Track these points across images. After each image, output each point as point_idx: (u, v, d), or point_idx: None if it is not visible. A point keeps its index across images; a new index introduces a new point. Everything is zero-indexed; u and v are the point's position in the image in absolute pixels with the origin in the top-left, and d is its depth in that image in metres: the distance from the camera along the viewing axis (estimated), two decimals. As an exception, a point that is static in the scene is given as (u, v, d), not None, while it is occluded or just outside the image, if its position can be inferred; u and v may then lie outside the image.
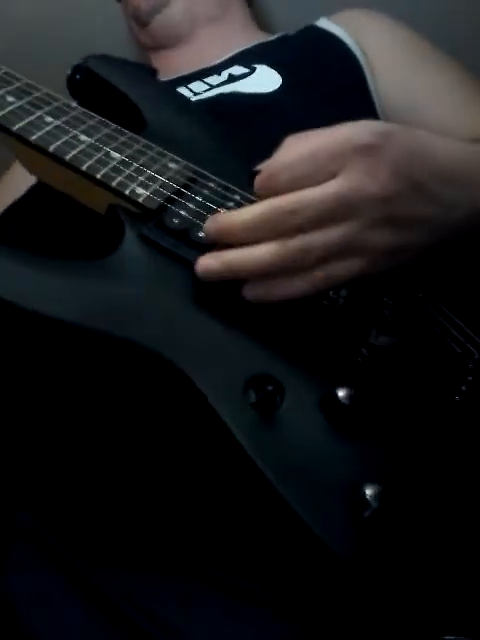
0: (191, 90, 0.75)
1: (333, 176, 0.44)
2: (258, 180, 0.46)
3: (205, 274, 0.45)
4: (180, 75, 0.79)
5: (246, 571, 0.49)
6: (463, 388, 0.48)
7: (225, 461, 0.44)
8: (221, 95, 0.72)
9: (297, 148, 0.45)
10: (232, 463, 0.43)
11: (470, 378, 0.49)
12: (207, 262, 0.45)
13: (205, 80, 0.76)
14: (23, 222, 0.63)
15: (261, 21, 0.96)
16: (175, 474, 0.49)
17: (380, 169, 0.43)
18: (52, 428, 0.53)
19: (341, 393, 0.42)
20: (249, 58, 0.79)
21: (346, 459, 0.42)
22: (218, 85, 0.75)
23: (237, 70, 0.77)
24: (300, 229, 0.43)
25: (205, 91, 0.75)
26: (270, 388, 0.42)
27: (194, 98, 0.72)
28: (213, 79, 0.77)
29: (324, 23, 0.83)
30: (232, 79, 0.75)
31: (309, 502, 0.40)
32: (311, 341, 0.46)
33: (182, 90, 0.74)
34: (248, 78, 0.75)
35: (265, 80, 0.74)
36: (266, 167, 0.46)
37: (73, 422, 0.52)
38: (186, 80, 0.77)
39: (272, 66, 0.75)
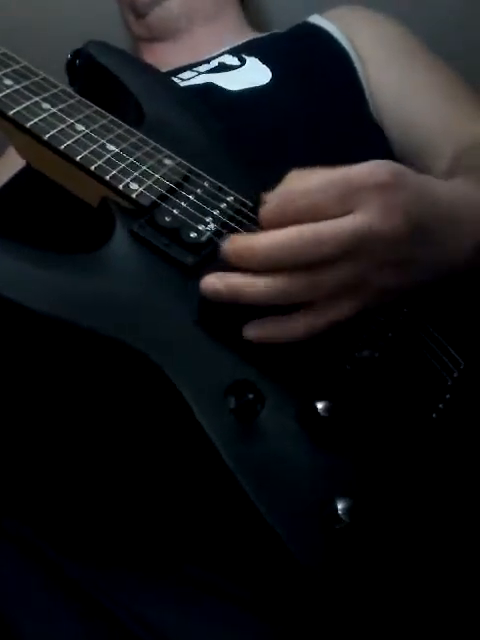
0: (181, 79, 0.75)
1: (350, 210, 0.42)
2: (269, 207, 0.44)
3: (210, 294, 0.44)
4: (171, 68, 0.79)
5: (231, 574, 0.49)
6: (440, 406, 0.49)
7: (202, 465, 0.44)
8: (211, 85, 0.72)
9: (315, 177, 0.44)
10: (208, 467, 0.43)
11: (448, 396, 0.49)
12: (213, 283, 0.43)
13: (195, 69, 0.77)
14: (10, 208, 0.62)
15: (255, 21, 0.97)
16: (159, 476, 0.49)
17: (395, 209, 0.43)
18: (36, 429, 0.53)
19: (320, 405, 0.42)
20: (240, 51, 0.79)
21: (320, 471, 0.42)
22: (207, 72, 0.75)
23: (227, 59, 0.78)
24: (316, 264, 0.42)
25: (194, 77, 0.75)
26: (250, 396, 0.42)
27: (182, 84, 0.73)
28: (203, 67, 0.77)
29: (316, 19, 0.83)
30: (222, 68, 0.75)
31: (280, 511, 0.41)
32: (296, 352, 0.46)
33: (173, 79, 0.73)
34: (238, 70, 0.75)
35: (256, 73, 0.74)
36: (277, 195, 0.44)
37: (57, 423, 0.52)
38: (177, 72, 0.77)
39: (263, 60, 0.75)
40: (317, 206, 0.42)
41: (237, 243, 0.43)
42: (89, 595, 0.52)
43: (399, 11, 0.85)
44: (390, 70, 0.77)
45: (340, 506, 0.40)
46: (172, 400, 0.43)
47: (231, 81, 0.72)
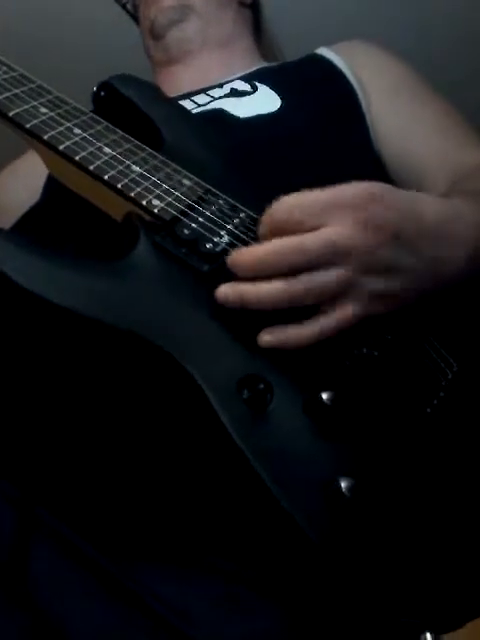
0: (195, 102, 0.80)
1: (326, 224, 0.49)
2: (262, 225, 0.51)
3: (223, 301, 0.50)
4: (184, 92, 0.84)
5: (249, 562, 0.53)
6: (434, 402, 0.53)
7: (218, 452, 0.49)
8: (221, 111, 0.77)
9: (299, 197, 0.50)
10: (223, 453, 0.48)
11: (442, 394, 0.54)
12: (225, 292, 0.50)
13: (208, 93, 0.82)
14: (42, 223, 0.68)
15: (265, 52, 1.02)
16: (180, 467, 0.53)
17: (367, 223, 0.49)
18: (62, 424, 0.57)
19: (325, 395, 0.47)
20: (252, 78, 0.84)
21: (325, 455, 0.47)
22: (220, 97, 0.80)
23: (239, 85, 0.83)
24: (302, 269, 0.49)
25: (208, 102, 0.80)
26: (261, 386, 0.47)
27: (197, 109, 0.78)
28: (215, 92, 0.82)
29: (324, 51, 0.88)
30: (234, 93, 0.81)
31: (289, 489, 0.45)
32: (302, 350, 0.51)
33: (186, 102, 0.79)
34: (250, 97, 0.80)
35: (266, 100, 0.79)
36: (268, 214, 0.51)
37: (82, 418, 0.56)
38: (190, 95, 0.83)
39: (273, 88, 0.81)
40: (299, 222, 0.49)
41: (237, 254, 0.50)
42: (124, 587, 0.55)
43: (403, 43, 0.91)
44: (391, 102, 0.82)
45: (343, 484, 0.44)
46: (189, 391, 0.48)
47: (241, 107, 0.78)
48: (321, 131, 0.78)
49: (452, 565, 0.47)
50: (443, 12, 1.14)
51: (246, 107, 0.78)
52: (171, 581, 0.55)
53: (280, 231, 0.49)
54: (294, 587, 0.53)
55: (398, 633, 0.50)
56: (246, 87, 0.83)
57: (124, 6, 1.03)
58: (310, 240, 0.49)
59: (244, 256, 0.50)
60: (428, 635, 0.44)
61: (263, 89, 0.82)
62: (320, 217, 0.49)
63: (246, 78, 0.85)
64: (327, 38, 0.91)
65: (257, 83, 0.83)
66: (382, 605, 0.45)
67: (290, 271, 0.49)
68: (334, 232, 0.49)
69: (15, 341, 0.60)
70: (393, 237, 0.50)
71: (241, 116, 0.76)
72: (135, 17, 1.02)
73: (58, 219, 0.66)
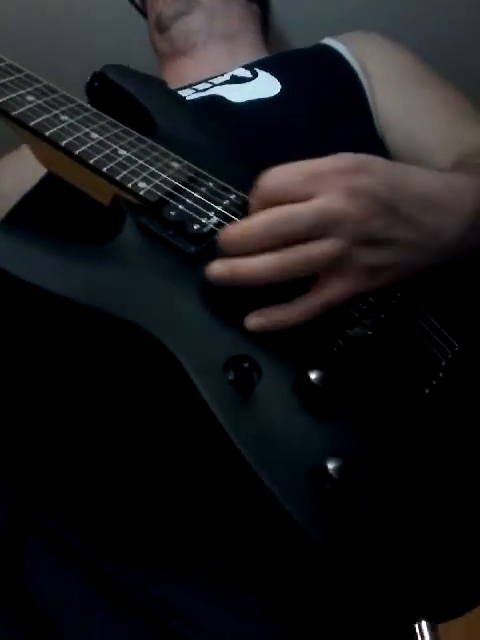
0: (195, 89, 0.80)
1: (316, 194, 0.47)
2: (252, 198, 0.49)
3: (216, 280, 0.48)
4: (187, 83, 0.84)
5: (249, 564, 0.52)
6: (434, 382, 0.51)
7: (204, 436, 0.47)
8: (217, 97, 0.77)
9: (287, 168, 0.49)
10: (209, 437, 0.46)
11: (441, 374, 0.52)
12: (218, 268, 0.48)
13: (209, 81, 0.82)
14: (33, 212, 0.68)
15: (272, 48, 1.02)
16: (175, 462, 0.52)
17: (358, 192, 0.47)
18: (55, 421, 0.56)
19: (313, 375, 0.45)
20: (253, 65, 0.84)
21: (313, 436, 0.45)
22: (220, 84, 0.80)
23: (240, 72, 0.82)
24: (293, 241, 0.47)
25: (207, 89, 0.80)
26: (246, 365, 0.45)
27: (195, 95, 0.77)
28: (217, 79, 0.82)
29: (329, 41, 0.88)
30: (234, 80, 0.80)
31: (276, 472, 0.43)
32: (291, 329, 0.49)
33: (187, 91, 0.79)
34: (249, 82, 0.79)
35: (265, 86, 0.78)
36: (258, 186, 0.49)
37: (74, 413, 0.56)
38: (193, 84, 0.82)
39: (273, 73, 0.80)
40: (289, 192, 0.47)
41: (226, 229, 0.49)
42: (122, 589, 0.54)
43: (408, 39, 0.90)
44: (396, 88, 0.81)
45: (331, 465, 0.42)
46: (173, 375, 0.46)
47: (239, 93, 0.77)
48: (322, 116, 0.76)
49: (451, 552, 0.45)
50: (443, 12, 1.13)
51: (244, 93, 0.77)
52: (171, 583, 0.53)
53: (270, 203, 0.48)
54: (293, 589, 0.52)
55: (393, 623, 0.48)
56: (246, 73, 0.82)
57: (132, 1, 1.04)
58: (301, 209, 0.47)
59: (234, 230, 0.48)
60: (424, 623, 0.41)
61: (263, 75, 0.81)
62: (310, 186, 0.47)
63: (248, 66, 0.84)
64: (332, 33, 0.90)
65: (258, 70, 0.82)
66: (378, 592, 0.43)
67: (282, 244, 0.47)
68: (326, 201, 0.47)
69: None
70: (385, 207, 0.48)
71: (236, 101, 0.75)
72: (143, 11, 1.02)
73: (49, 208, 0.66)
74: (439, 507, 0.46)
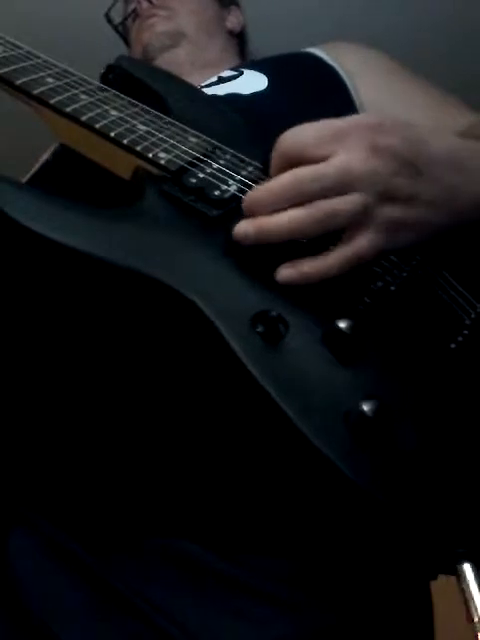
0: None
1: (339, 151, 0.48)
2: (274, 159, 0.51)
3: (244, 237, 0.48)
4: None
5: (249, 567, 0.52)
6: (459, 339, 0.51)
7: (231, 398, 0.47)
8: (230, 93, 0.79)
9: (308, 128, 0.50)
10: (238, 396, 0.46)
11: (466, 332, 0.52)
12: (245, 227, 0.49)
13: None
14: (51, 182, 0.68)
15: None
16: (180, 454, 0.52)
17: (381, 150, 0.48)
18: (52, 416, 0.56)
19: (342, 324, 0.45)
20: (238, 67, 0.87)
21: (345, 382, 0.45)
22: (208, 85, 0.82)
23: (225, 73, 0.85)
24: (319, 198, 0.47)
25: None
26: (273, 314, 0.45)
27: None
28: (203, 84, 0.84)
29: (310, 49, 0.91)
30: (221, 80, 0.83)
31: (310, 417, 0.43)
32: (316, 286, 0.49)
33: None
34: (236, 80, 0.82)
35: (253, 81, 0.81)
36: (279, 147, 0.51)
37: (80, 403, 0.55)
38: None
39: (259, 70, 0.83)
40: (311, 152, 0.48)
41: (252, 192, 0.50)
42: (116, 590, 0.54)
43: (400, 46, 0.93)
44: (376, 80, 0.84)
45: (365, 407, 0.42)
46: (202, 330, 0.46)
47: (226, 90, 0.79)
48: (309, 108, 0.78)
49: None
50: (442, 12, 1.16)
51: (231, 89, 0.79)
52: (168, 589, 0.53)
53: (291, 160, 0.49)
54: (291, 593, 0.52)
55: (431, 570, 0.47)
56: (232, 73, 0.85)
57: (116, 28, 1.07)
58: (326, 167, 0.48)
59: (260, 192, 0.49)
60: (468, 565, 0.41)
61: (248, 72, 0.84)
62: (332, 144, 0.48)
63: (233, 68, 0.87)
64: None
65: (243, 69, 0.85)
66: (426, 534, 0.42)
67: (307, 202, 0.48)
68: (349, 158, 0.48)
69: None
70: (407, 164, 0.49)
71: (244, 94, 0.77)
72: (125, 39, 1.06)
73: (67, 181, 0.66)
74: (471, 452, 0.45)
